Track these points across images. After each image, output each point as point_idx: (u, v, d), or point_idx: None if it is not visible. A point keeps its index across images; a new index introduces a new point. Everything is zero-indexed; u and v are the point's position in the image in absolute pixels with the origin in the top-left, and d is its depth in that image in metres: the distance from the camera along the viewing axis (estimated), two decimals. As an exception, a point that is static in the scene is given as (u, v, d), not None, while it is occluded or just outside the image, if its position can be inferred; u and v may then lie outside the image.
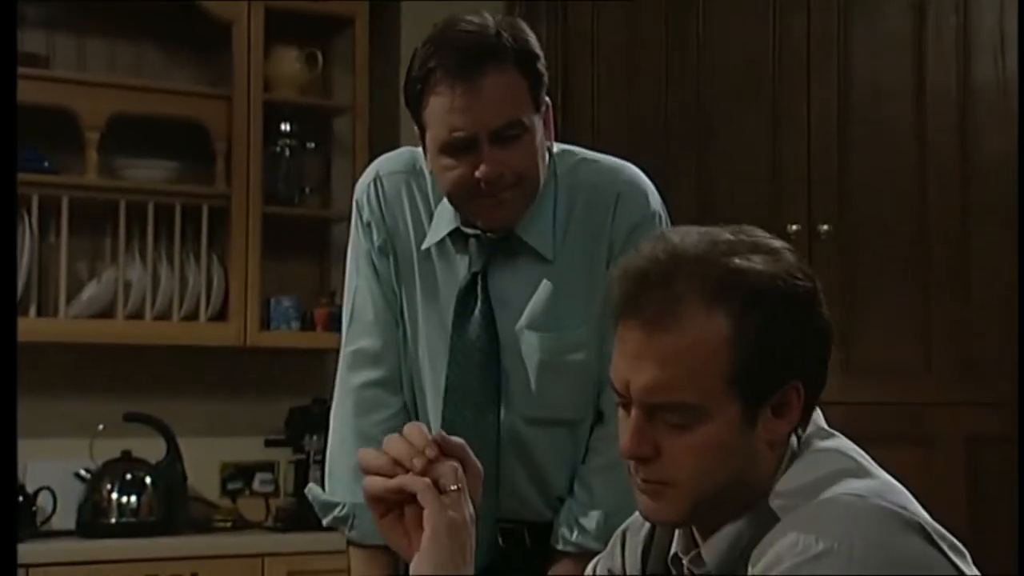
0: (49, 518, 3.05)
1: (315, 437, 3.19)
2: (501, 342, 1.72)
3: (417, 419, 1.77)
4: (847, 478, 1.15)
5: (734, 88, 3.31)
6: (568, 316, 1.72)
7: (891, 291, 3.23)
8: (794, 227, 3.21)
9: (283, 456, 3.33)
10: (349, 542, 1.82)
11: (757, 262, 1.15)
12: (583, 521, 1.73)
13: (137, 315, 3.14)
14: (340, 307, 3.51)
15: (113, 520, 3.04)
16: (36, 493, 3.02)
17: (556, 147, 1.75)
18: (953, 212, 3.22)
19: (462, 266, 1.74)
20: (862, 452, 1.22)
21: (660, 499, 1.17)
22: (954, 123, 3.22)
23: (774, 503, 1.14)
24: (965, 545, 1.18)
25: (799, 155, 3.26)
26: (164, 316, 3.16)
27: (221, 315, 3.21)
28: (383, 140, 3.42)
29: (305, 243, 3.49)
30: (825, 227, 3.21)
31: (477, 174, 1.61)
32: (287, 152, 3.36)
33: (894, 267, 3.24)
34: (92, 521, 3.05)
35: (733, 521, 1.16)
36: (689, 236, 1.16)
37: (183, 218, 3.19)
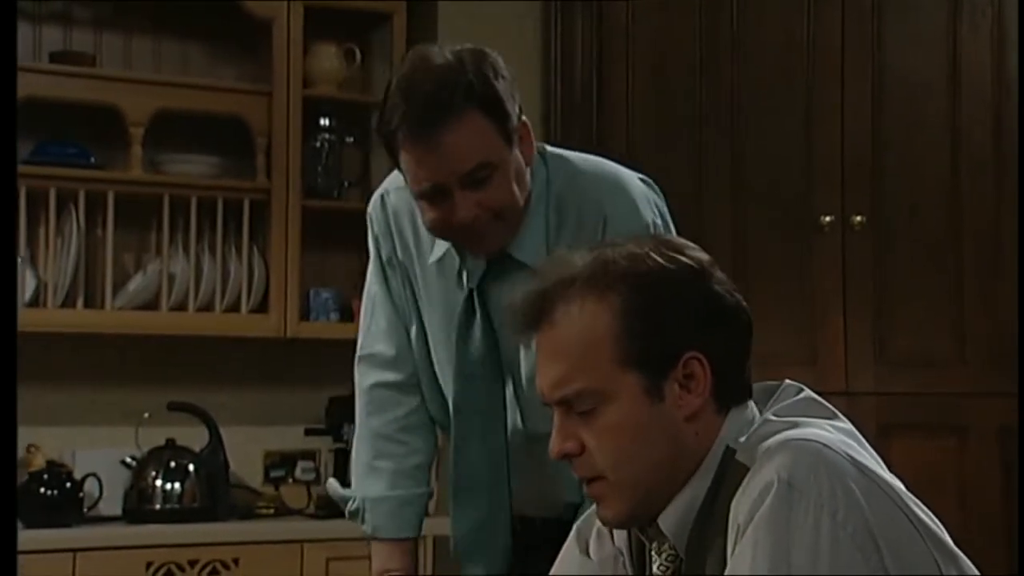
0: (96, 504, 3.12)
1: (354, 426, 3.24)
2: (504, 357, 1.75)
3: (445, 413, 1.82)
4: (796, 428, 1.20)
5: (768, 81, 3.33)
6: None
7: (924, 282, 3.24)
8: (827, 218, 3.23)
9: (324, 445, 3.38)
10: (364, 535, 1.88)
11: (629, 249, 1.23)
12: None
13: (181, 307, 3.21)
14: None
15: (158, 506, 3.10)
16: (83, 480, 3.08)
17: (549, 150, 1.77)
18: (987, 203, 3.23)
19: (462, 281, 1.77)
20: (823, 422, 1.24)
21: (603, 502, 1.24)
22: (988, 115, 3.23)
23: (740, 457, 1.19)
24: (997, 534, 1.22)
25: (832, 147, 3.27)
26: (207, 308, 3.23)
27: (262, 307, 3.27)
28: (420, 134, 3.48)
29: (344, 236, 3.53)
30: (858, 218, 3.23)
31: (453, 220, 1.66)
32: (326, 146, 3.41)
33: (927, 258, 3.25)
34: (137, 507, 3.11)
35: (681, 491, 1.22)
36: (578, 251, 1.25)
37: (225, 212, 3.25)
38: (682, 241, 1.27)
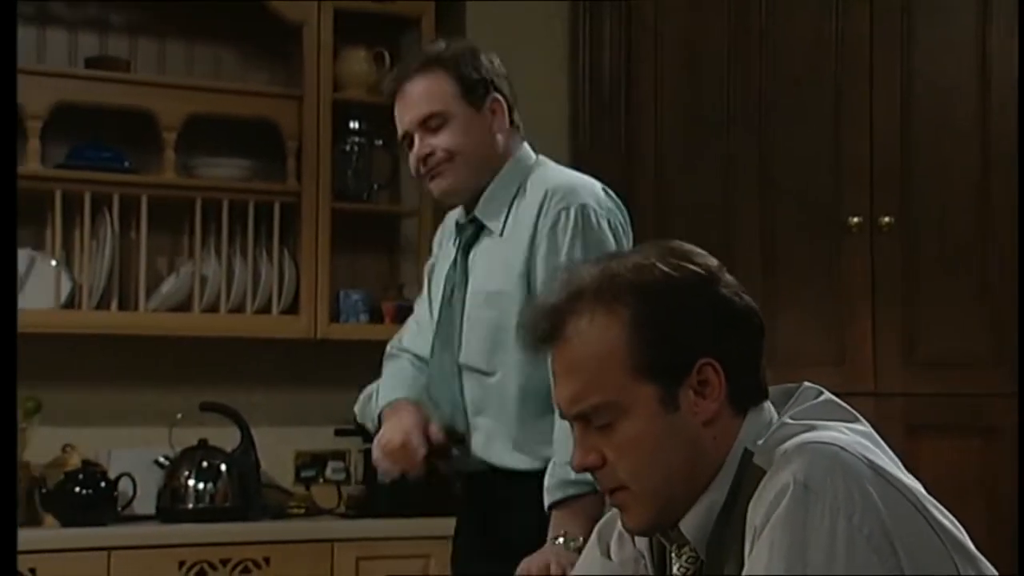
0: (130, 503, 3.16)
1: (384, 426, 3.27)
2: (467, 302, 2.10)
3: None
4: (813, 431, 1.20)
5: (796, 80, 3.33)
6: (496, 280, 2.06)
7: (952, 283, 3.24)
8: (855, 219, 3.23)
9: (353, 445, 3.40)
10: (380, 416, 2.15)
11: (634, 261, 1.24)
12: (557, 472, 1.95)
13: (213, 308, 3.24)
14: (408, 300, 3.61)
15: (190, 505, 3.13)
16: (118, 479, 3.12)
17: (542, 157, 2.15)
18: (1015, 204, 3.21)
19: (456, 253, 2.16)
20: (841, 425, 1.25)
21: (627, 511, 1.25)
22: (1016, 116, 3.22)
23: (758, 460, 1.20)
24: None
25: (861, 148, 3.27)
26: (238, 309, 3.26)
27: (293, 308, 3.30)
28: (449, 137, 3.50)
29: (374, 238, 3.57)
30: (887, 219, 3.23)
31: (416, 157, 2.08)
32: (356, 149, 3.44)
33: (955, 259, 3.24)
34: (171, 506, 3.14)
35: (702, 496, 1.23)
36: (585, 264, 1.29)
37: (256, 215, 3.28)
38: (688, 248, 1.27)
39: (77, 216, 3.17)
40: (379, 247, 3.59)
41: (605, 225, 2.01)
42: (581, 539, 1.89)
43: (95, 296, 3.16)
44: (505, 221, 2.08)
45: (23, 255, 3.17)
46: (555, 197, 2.03)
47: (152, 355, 3.32)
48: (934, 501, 1.21)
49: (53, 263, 3.14)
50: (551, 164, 2.16)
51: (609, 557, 1.38)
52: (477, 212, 2.11)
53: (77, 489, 3.05)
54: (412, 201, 3.49)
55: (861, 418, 1.26)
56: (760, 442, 1.22)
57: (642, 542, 1.35)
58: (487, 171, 2.09)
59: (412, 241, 3.50)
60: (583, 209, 2.01)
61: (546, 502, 1.95)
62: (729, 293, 1.24)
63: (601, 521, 1.41)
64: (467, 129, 2.07)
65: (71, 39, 3.35)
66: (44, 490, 3.04)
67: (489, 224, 2.10)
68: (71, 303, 3.16)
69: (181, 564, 2.97)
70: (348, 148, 3.43)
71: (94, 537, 2.95)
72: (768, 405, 1.27)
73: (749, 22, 3.35)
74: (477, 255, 2.11)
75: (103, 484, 3.08)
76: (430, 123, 2.06)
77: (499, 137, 2.10)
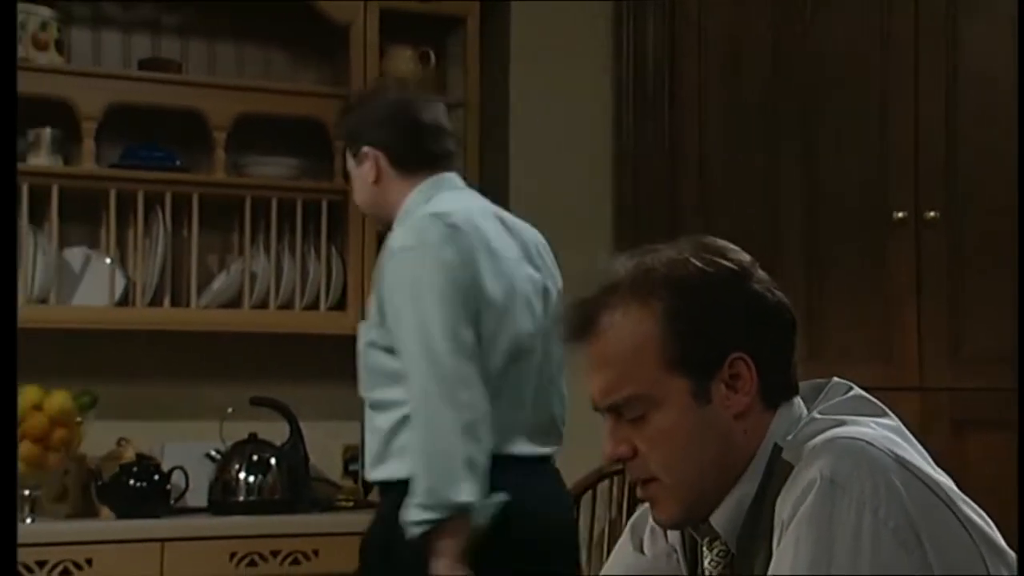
0: (182, 495, 3.22)
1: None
2: None
3: None
4: (841, 426, 1.21)
5: (841, 75, 3.33)
6: (373, 310, 2.23)
7: (998, 277, 3.22)
8: (900, 214, 3.23)
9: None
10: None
11: (668, 255, 1.25)
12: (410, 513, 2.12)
13: (262, 305, 3.29)
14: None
15: (241, 498, 3.17)
16: (171, 472, 3.17)
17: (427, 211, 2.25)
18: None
19: None
20: (870, 420, 1.26)
21: (656, 504, 1.27)
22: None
23: (787, 456, 1.21)
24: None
25: (906, 141, 3.26)
26: (287, 306, 3.31)
27: (340, 304, 3.35)
28: (495, 133, 3.53)
29: (420, 235, 3.60)
30: (932, 214, 3.22)
31: None
32: (403, 147, 3.48)
33: (1001, 253, 3.23)
34: (222, 499, 3.19)
35: (732, 490, 1.24)
36: (620, 259, 1.29)
37: (304, 212, 3.33)
38: (722, 243, 1.28)
39: (131, 215, 3.23)
40: (426, 243, 3.62)
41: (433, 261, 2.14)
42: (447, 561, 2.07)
43: (148, 293, 3.22)
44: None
45: (79, 253, 3.24)
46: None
47: (203, 351, 3.37)
48: (963, 496, 1.21)
49: (108, 261, 3.21)
50: (440, 195, 2.29)
51: (642, 551, 1.39)
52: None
53: (131, 482, 3.11)
54: (458, 198, 3.53)
55: (890, 413, 1.27)
56: (789, 437, 1.23)
57: (674, 536, 1.36)
58: (382, 217, 2.38)
59: (458, 238, 3.53)
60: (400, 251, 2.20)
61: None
62: (761, 289, 1.26)
63: (634, 516, 1.43)
64: (354, 179, 2.39)
65: (125, 41, 3.41)
66: (100, 482, 3.11)
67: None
68: (125, 300, 3.22)
69: (232, 555, 3.02)
70: (395, 146, 3.47)
71: (148, 529, 3.01)
72: (798, 400, 1.28)
73: (793, 17, 3.35)
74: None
75: (157, 477, 3.14)
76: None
77: (375, 184, 2.33)
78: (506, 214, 2.37)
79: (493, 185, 3.56)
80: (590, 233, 3.40)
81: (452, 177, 2.36)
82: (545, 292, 2.27)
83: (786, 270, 3.29)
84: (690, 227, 3.42)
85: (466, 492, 2.07)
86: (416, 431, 2.08)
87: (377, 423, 2.24)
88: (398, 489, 2.14)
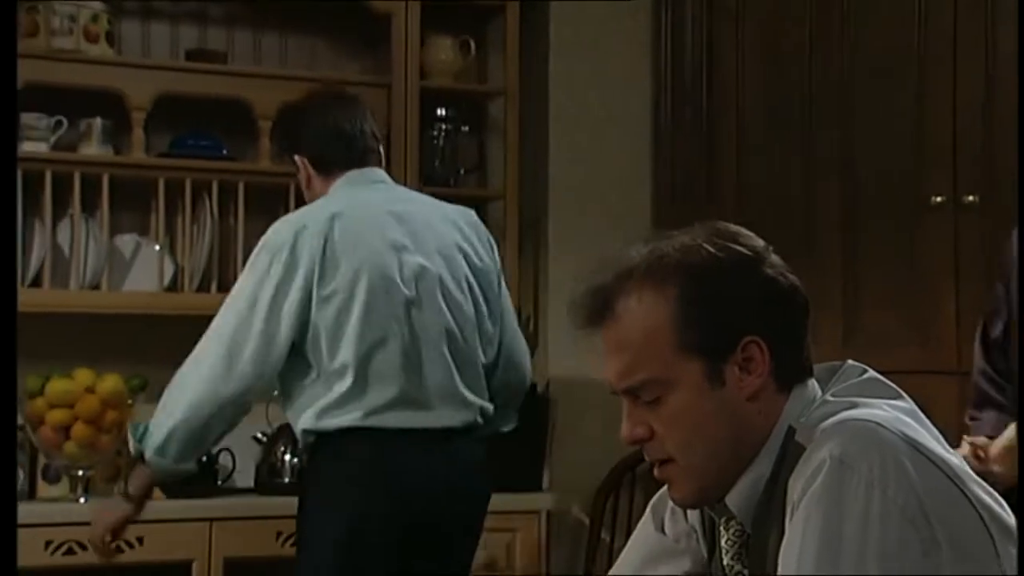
0: (230, 476, 3.30)
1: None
2: None
3: None
4: (854, 408, 1.24)
5: (878, 60, 3.33)
6: None
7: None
8: (939, 198, 3.23)
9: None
10: None
11: (682, 241, 1.28)
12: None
13: (307, 290, 3.36)
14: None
15: (287, 479, 3.23)
16: (218, 454, 3.25)
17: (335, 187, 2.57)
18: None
19: None
20: (882, 402, 1.27)
21: (673, 484, 1.29)
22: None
23: (799, 437, 1.24)
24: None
25: (944, 126, 3.26)
26: (331, 291, 3.37)
27: (383, 289, 3.40)
28: (534, 122, 3.58)
29: (461, 222, 3.65)
30: (970, 198, 3.22)
31: None
32: (443, 135, 3.53)
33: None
34: (268, 480, 3.27)
35: (747, 470, 1.27)
36: (635, 245, 1.31)
37: (347, 199, 3.39)
38: (735, 229, 1.30)
39: (179, 203, 3.30)
40: (466, 230, 3.67)
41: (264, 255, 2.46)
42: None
43: (196, 279, 3.29)
44: None
45: (129, 240, 3.33)
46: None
47: (250, 335, 3.44)
48: (975, 477, 1.23)
49: (157, 248, 3.29)
50: (337, 193, 2.55)
51: (663, 532, 1.42)
52: None
53: (180, 463, 3.19)
54: (498, 185, 3.58)
55: (904, 395, 1.29)
56: (802, 419, 1.26)
57: (694, 517, 1.39)
58: None
59: (499, 224, 3.58)
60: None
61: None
62: (774, 273, 1.28)
63: (655, 498, 1.45)
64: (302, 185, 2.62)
65: (173, 33, 3.49)
66: (150, 463, 3.19)
67: None
68: (174, 286, 3.30)
69: (278, 535, 3.09)
70: (435, 134, 3.52)
71: (196, 508, 3.09)
72: (813, 382, 1.30)
73: (830, 3, 3.36)
74: None
75: (205, 458, 3.19)
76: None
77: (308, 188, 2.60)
78: (410, 205, 2.56)
79: (532, 173, 3.61)
80: (629, 220, 3.44)
81: (365, 173, 2.56)
82: (420, 272, 2.44)
83: (823, 255, 3.31)
84: (728, 213, 3.44)
85: None
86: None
87: None
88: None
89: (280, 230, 2.46)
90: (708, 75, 3.47)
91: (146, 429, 2.50)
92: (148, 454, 2.44)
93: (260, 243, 2.49)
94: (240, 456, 3.29)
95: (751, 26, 3.45)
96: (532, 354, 3.49)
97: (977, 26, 3.25)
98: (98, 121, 3.25)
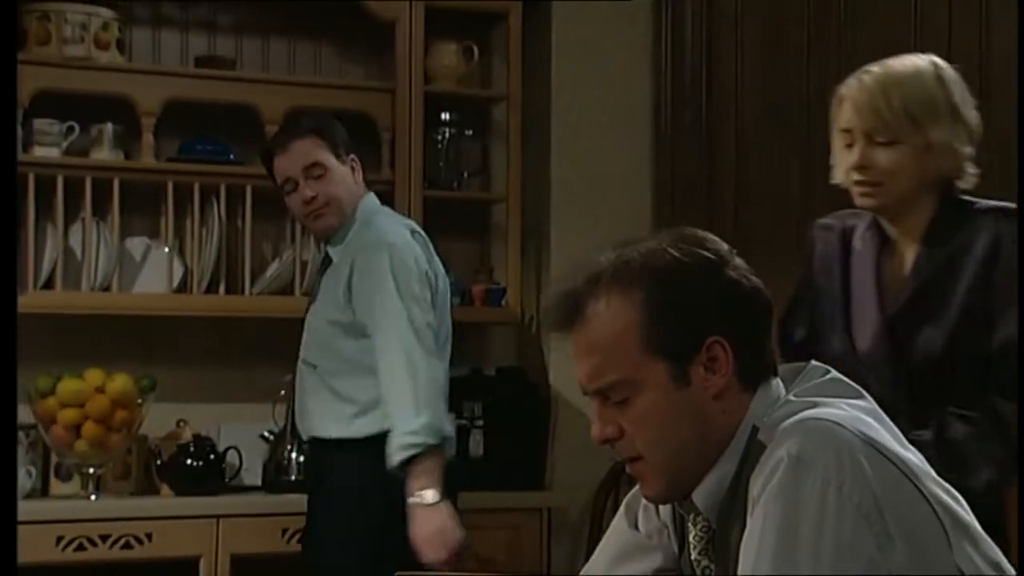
0: (237, 474, 3.35)
1: (475, 404, 3.42)
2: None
3: None
4: (814, 408, 1.28)
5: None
6: (331, 295, 2.68)
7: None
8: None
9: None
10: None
11: (648, 246, 1.32)
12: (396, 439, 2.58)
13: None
14: (498, 284, 3.74)
15: (293, 477, 3.28)
16: (226, 452, 3.31)
17: (384, 208, 2.81)
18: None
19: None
20: (842, 401, 1.31)
21: (643, 480, 1.35)
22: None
23: (761, 436, 1.29)
24: None
25: (939, 132, 3.29)
26: (336, 292, 3.43)
27: (388, 291, 3.45)
28: (537, 126, 3.63)
29: (465, 224, 3.70)
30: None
31: (303, 199, 2.68)
32: (447, 139, 3.58)
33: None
34: (275, 477, 3.31)
35: (713, 468, 1.31)
36: (602, 250, 1.35)
37: (353, 202, 3.44)
38: (702, 234, 1.35)
39: (188, 206, 3.36)
40: (469, 233, 3.72)
41: (410, 260, 2.63)
42: (433, 491, 2.51)
43: (204, 281, 3.35)
44: (341, 255, 2.71)
45: (139, 243, 3.39)
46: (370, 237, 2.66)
47: (257, 336, 3.49)
48: (934, 476, 1.27)
49: (166, 250, 3.35)
50: (385, 212, 2.78)
51: (637, 528, 1.47)
52: (329, 246, 2.74)
53: (189, 461, 3.25)
54: (501, 188, 3.63)
55: (865, 394, 1.32)
56: (766, 419, 1.30)
57: (665, 513, 1.44)
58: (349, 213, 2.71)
59: (502, 226, 3.64)
60: (391, 248, 2.63)
61: (393, 463, 2.52)
62: (737, 276, 1.32)
63: (629, 495, 1.50)
64: (338, 180, 2.69)
65: (182, 40, 3.55)
66: (159, 462, 3.26)
67: (334, 257, 2.72)
68: (183, 287, 3.36)
69: (284, 531, 3.15)
70: (439, 138, 3.57)
71: (204, 505, 3.16)
72: (777, 382, 1.34)
73: (829, 8, 3.39)
74: (327, 277, 2.73)
75: (213, 456, 3.28)
76: (313, 173, 2.67)
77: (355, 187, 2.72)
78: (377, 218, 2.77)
79: (535, 175, 3.66)
80: (630, 222, 3.49)
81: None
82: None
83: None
84: (728, 213, 3.49)
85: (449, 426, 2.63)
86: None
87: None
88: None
89: (407, 256, 2.67)
90: (708, 77, 3.50)
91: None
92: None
93: (390, 265, 2.64)
94: (247, 454, 3.35)
95: (751, 27, 3.48)
96: (533, 355, 3.56)
97: (971, 27, 3.28)
98: (109, 127, 3.32)
